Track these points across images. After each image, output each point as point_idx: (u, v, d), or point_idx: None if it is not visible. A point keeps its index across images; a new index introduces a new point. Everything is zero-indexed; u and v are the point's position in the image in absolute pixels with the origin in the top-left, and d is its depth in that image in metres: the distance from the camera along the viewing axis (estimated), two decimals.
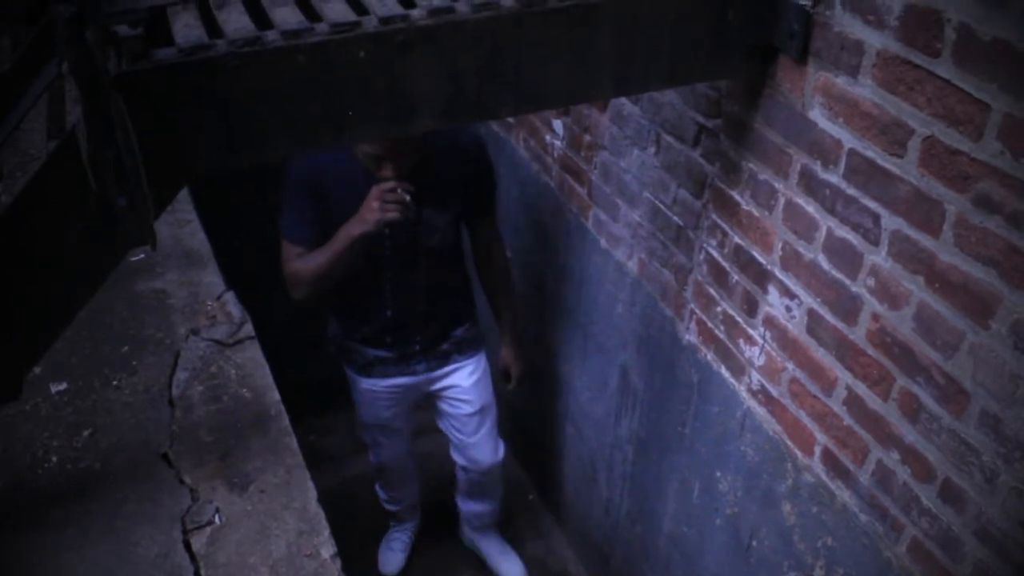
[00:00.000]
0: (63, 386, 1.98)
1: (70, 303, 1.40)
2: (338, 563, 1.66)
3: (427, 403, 3.02)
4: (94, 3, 1.16)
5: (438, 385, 2.90)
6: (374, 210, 2.30)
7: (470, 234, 2.80)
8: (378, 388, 2.84)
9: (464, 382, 2.88)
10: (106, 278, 1.41)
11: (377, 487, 3.32)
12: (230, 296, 2.26)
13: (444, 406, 2.96)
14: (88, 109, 1.18)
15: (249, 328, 2.16)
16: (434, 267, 2.63)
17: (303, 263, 2.47)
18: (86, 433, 1.87)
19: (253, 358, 2.08)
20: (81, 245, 1.33)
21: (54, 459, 1.81)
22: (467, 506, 3.30)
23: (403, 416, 3.00)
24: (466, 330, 2.84)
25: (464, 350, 2.85)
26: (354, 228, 2.35)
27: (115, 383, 1.99)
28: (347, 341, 2.80)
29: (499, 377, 3.01)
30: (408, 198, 2.31)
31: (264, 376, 2.03)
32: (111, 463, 1.81)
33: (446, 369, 2.85)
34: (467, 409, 2.94)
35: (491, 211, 2.77)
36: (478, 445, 3.01)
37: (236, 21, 1.35)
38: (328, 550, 1.67)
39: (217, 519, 1.71)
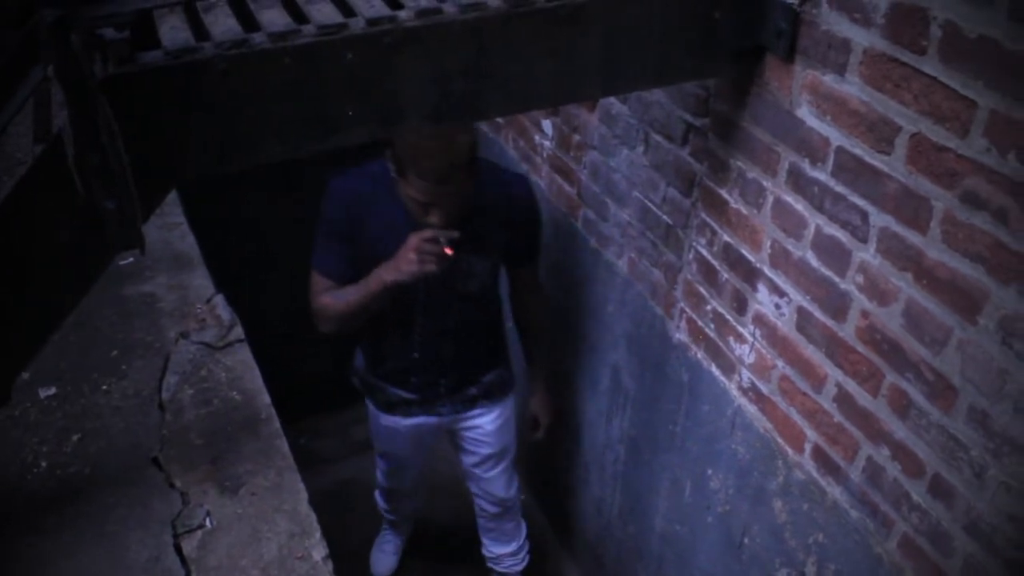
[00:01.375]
0: (52, 391, 1.97)
1: (58, 307, 1.40)
2: (330, 565, 1.66)
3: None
4: (79, 7, 1.16)
5: (460, 425, 2.81)
6: (411, 261, 2.16)
7: (510, 279, 2.66)
8: (399, 426, 2.75)
9: (488, 426, 2.79)
10: (94, 282, 1.40)
11: (377, 496, 3.26)
12: (220, 299, 2.25)
13: (462, 443, 2.88)
14: (74, 113, 1.18)
15: (239, 331, 2.16)
16: (468, 311, 2.52)
17: (332, 299, 2.37)
18: (76, 438, 1.86)
19: (243, 361, 2.08)
20: (69, 249, 1.32)
21: (44, 464, 1.80)
22: (489, 547, 3.17)
23: (420, 452, 2.94)
24: (496, 375, 2.73)
25: (492, 396, 2.75)
26: (387, 274, 2.23)
27: (104, 387, 1.99)
28: (371, 376, 2.71)
29: (527, 424, 2.89)
30: (449, 250, 2.17)
31: (254, 379, 2.03)
32: (101, 468, 1.80)
33: (471, 413, 2.75)
34: (486, 451, 2.86)
35: (534, 260, 2.63)
36: (492, 480, 2.94)
37: (223, 23, 1.34)
38: (320, 552, 1.67)
39: (208, 522, 1.71)
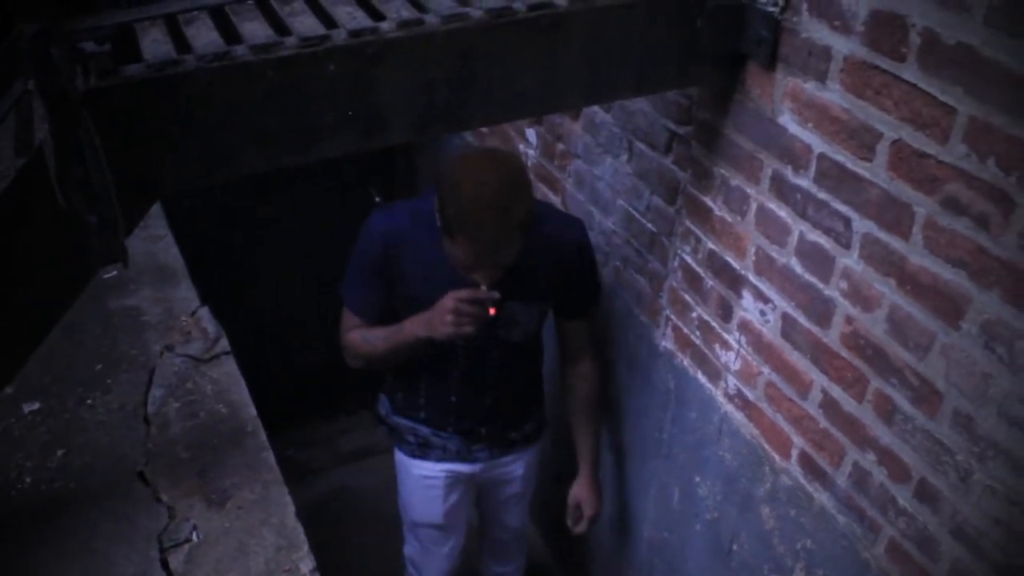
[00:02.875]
0: (36, 406, 1.96)
1: (42, 322, 1.39)
2: None
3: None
4: (59, 20, 1.15)
5: (492, 473, 2.59)
6: (447, 322, 1.98)
7: (559, 334, 2.44)
8: (434, 473, 2.51)
9: (518, 471, 2.61)
10: (78, 296, 1.39)
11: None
12: (204, 311, 2.25)
13: (489, 488, 2.67)
14: (55, 126, 1.17)
15: (224, 343, 2.16)
16: (510, 359, 2.34)
17: (362, 339, 2.23)
18: (60, 453, 1.85)
19: (229, 373, 2.07)
20: (51, 263, 1.32)
21: (28, 480, 1.79)
22: (490, 567, 2.97)
23: (460, 514, 2.64)
24: (536, 420, 2.57)
25: (530, 441, 2.58)
26: (420, 329, 2.07)
27: (89, 401, 1.98)
28: (403, 418, 2.48)
29: (569, 514, 2.56)
30: (492, 310, 2.01)
31: (240, 391, 2.02)
32: (86, 483, 1.79)
33: (507, 459, 2.56)
34: (509, 491, 2.67)
35: (586, 314, 2.41)
36: (509, 512, 2.75)
37: (205, 36, 1.34)
38: (307, 565, 1.67)
39: (195, 536, 1.70)
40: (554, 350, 2.50)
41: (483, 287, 1.99)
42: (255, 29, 1.36)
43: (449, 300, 1.98)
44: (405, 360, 2.25)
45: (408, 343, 2.13)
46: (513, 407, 2.48)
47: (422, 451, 2.49)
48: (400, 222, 2.15)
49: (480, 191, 1.85)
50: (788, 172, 1.72)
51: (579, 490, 2.52)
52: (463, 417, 2.42)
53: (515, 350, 2.32)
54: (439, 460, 2.49)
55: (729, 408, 2.09)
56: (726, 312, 2.02)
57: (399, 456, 2.56)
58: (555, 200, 2.75)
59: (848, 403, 1.71)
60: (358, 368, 2.31)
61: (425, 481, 2.53)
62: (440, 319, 1.99)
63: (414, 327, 2.09)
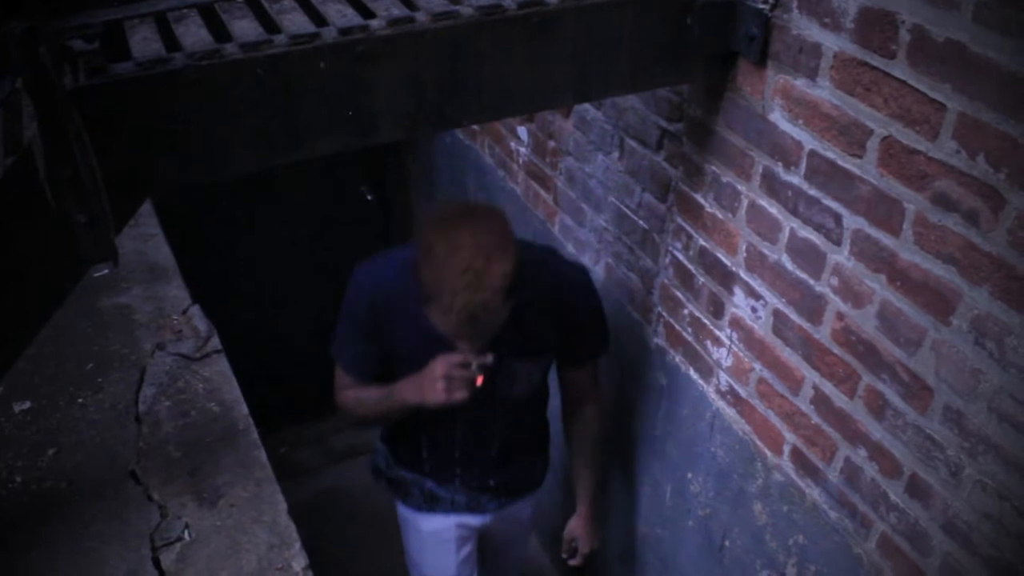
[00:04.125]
0: (26, 405, 1.95)
1: (32, 321, 1.38)
2: (310, 575, 1.65)
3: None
4: (48, 18, 1.15)
5: (498, 518, 2.47)
6: (437, 390, 1.89)
7: (561, 382, 2.34)
8: (445, 527, 2.41)
9: (526, 512, 2.56)
10: (68, 295, 1.39)
11: None
12: (196, 310, 2.24)
13: (493, 533, 2.56)
14: (44, 125, 1.17)
15: (216, 341, 2.15)
16: (514, 414, 2.24)
17: (355, 400, 2.15)
18: (51, 452, 1.85)
19: (221, 372, 2.07)
20: (41, 262, 1.31)
21: (18, 479, 1.79)
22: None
23: (471, 564, 2.52)
24: (541, 464, 2.49)
25: (535, 485, 2.50)
26: (410, 395, 1.97)
27: (80, 401, 1.97)
28: (406, 471, 2.37)
29: (564, 548, 2.51)
30: (482, 376, 1.91)
31: (232, 389, 2.02)
32: (77, 482, 1.79)
33: (515, 506, 2.48)
34: (515, 533, 2.62)
35: (593, 362, 2.29)
36: (512, 548, 2.71)
37: (194, 34, 1.34)
38: (299, 563, 1.67)
39: (187, 535, 1.70)
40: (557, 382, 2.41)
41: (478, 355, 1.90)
42: (245, 27, 1.36)
43: (439, 366, 1.89)
44: (404, 417, 2.15)
45: (400, 409, 2.05)
46: (522, 456, 2.39)
47: (429, 504, 2.39)
48: (386, 276, 2.03)
49: (454, 256, 1.70)
50: (779, 169, 1.72)
51: (576, 526, 2.47)
52: (469, 469, 2.32)
53: (519, 403, 2.22)
54: (447, 512, 2.39)
55: (721, 404, 2.10)
56: (718, 309, 2.03)
57: (404, 512, 2.46)
58: (547, 197, 2.75)
59: (839, 399, 1.72)
60: (357, 427, 2.20)
61: (436, 536, 2.44)
62: (431, 386, 1.90)
63: (405, 393, 1.99)
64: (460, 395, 1.90)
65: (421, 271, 1.77)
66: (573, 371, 2.28)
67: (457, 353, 1.88)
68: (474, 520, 2.42)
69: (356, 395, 2.14)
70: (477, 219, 1.79)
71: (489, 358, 1.90)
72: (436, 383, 1.89)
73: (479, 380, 1.91)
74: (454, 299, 1.72)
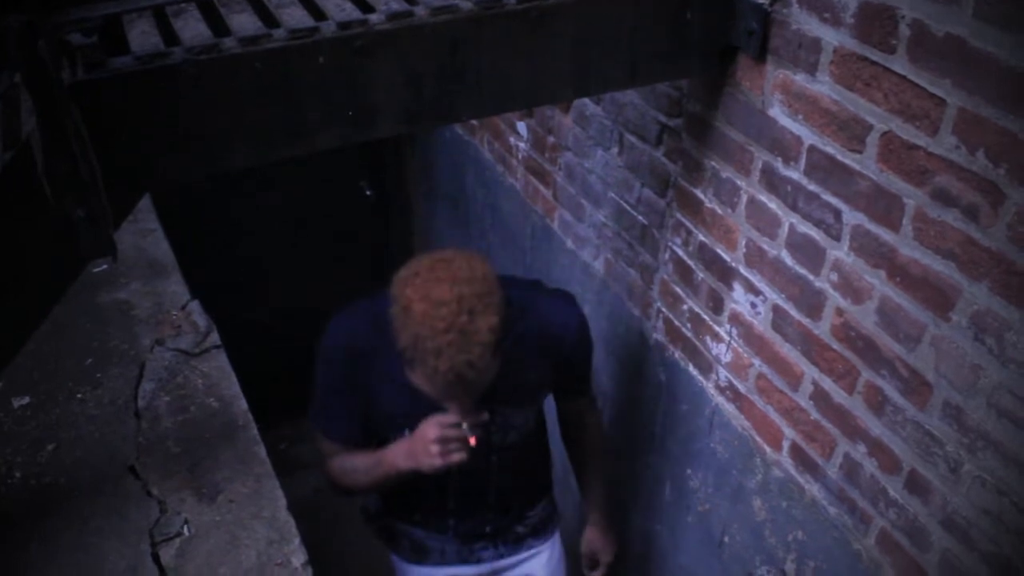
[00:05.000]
0: (26, 400, 1.95)
1: (31, 317, 1.38)
2: (309, 572, 1.65)
3: None
4: (46, 12, 1.15)
5: (506, 574, 2.34)
6: (432, 455, 1.78)
7: (559, 413, 2.26)
8: None
9: (540, 571, 2.36)
10: (67, 291, 1.39)
11: None
12: (195, 305, 2.24)
13: None
14: (42, 119, 1.16)
15: (215, 337, 2.15)
16: (509, 459, 2.10)
17: (341, 469, 2.00)
18: (50, 448, 1.85)
19: (220, 367, 2.07)
20: (40, 258, 1.31)
21: (18, 475, 1.78)
22: None
23: None
24: (543, 508, 2.34)
25: (540, 532, 2.33)
26: (402, 462, 1.85)
27: (79, 396, 1.97)
28: (396, 522, 2.26)
29: (584, 563, 2.40)
30: (475, 436, 1.80)
31: (231, 385, 2.02)
32: (77, 477, 1.79)
33: (519, 557, 2.31)
34: None
35: (587, 390, 2.20)
36: None
37: (193, 28, 1.34)
38: (299, 558, 1.67)
39: (186, 530, 1.70)
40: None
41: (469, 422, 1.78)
42: (244, 21, 1.35)
43: (430, 429, 1.78)
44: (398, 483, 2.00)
45: (394, 476, 1.91)
46: (519, 498, 2.26)
47: (417, 556, 2.27)
48: (361, 332, 1.87)
49: (434, 315, 1.57)
50: (778, 164, 1.72)
51: (593, 538, 2.34)
52: (464, 519, 2.20)
53: (514, 450, 2.09)
54: (438, 564, 2.27)
55: (720, 400, 2.10)
56: (717, 304, 2.03)
57: (396, 560, 2.34)
58: (546, 193, 2.75)
59: (839, 394, 1.72)
60: (347, 496, 2.09)
61: None
62: (424, 450, 1.79)
63: (396, 459, 1.87)
64: (457, 457, 1.79)
65: (399, 334, 1.63)
66: (569, 402, 2.20)
67: (448, 414, 1.77)
68: (467, 571, 2.29)
69: (342, 464, 2.00)
70: (455, 269, 1.63)
71: (484, 416, 1.80)
72: (429, 447, 1.78)
73: (472, 440, 1.79)
74: (438, 362, 1.58)
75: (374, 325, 1.81)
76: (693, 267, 2.08)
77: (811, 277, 1.72)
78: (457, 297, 1.58)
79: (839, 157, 1.58)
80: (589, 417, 2.26)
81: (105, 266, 2.28)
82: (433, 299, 1.58)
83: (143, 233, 2.49)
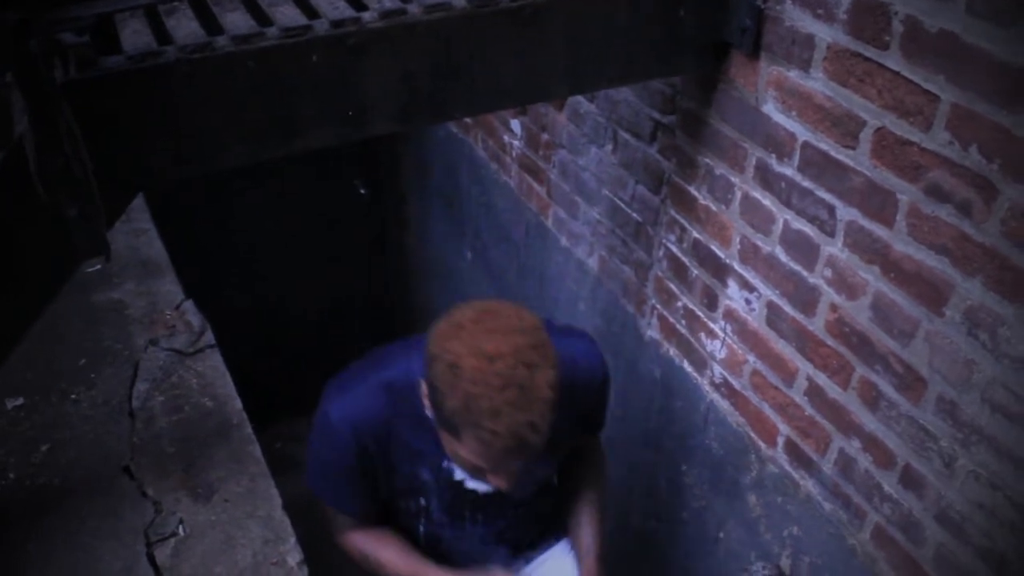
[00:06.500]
0: (19, 401, 1.94)
1: (23, 316, 1.38)
2: (305, 570, 1.65)
3: None
4: (38, 11, 1.14)
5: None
6: None
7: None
8: None
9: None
10: (60, 290, 1.38)
11: None
12: (189, 305, 2.23)
13: None
14: (35, 118, 1.16)
15: (209, 336, 2.14)
16: (527, 510, 1.93)
17: (363, 552, 1.84)
18: (44, 448, 1.84)
19: (214, 366, 2.06)
20: (33, 257, 1.31)
21: (11, 476, 1.78)
22: None
23: None
24: (554, 535, 2.08)
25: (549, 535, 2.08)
26: None
27: (73, 396, 1.96)
28: None
29: None
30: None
31: (226, 384, 2.01)
32: (71, 478, 1.78)
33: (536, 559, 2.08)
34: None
35: (598, 430, 1.99)
36: None
37: (185, 27, 1.33)
38: (295, 557, 1.66)
39: (181, 530, 1.69)
40: None
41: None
42: (236, 20, 1.35)
43: None
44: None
45: None
46: (532, 537, 2.05)
47: None
48: (373, 409, 1.65)
49: (488, 370, 1.36)
50: (772, 161, 1.72)
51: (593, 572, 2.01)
52: (475, 560, 1.96)
53: (532, 499, 1.92)
54: None
55: (715, 397, 2.10)
56: (711, 301, 2.03)
57: None
58: (540, 190, 2.75)
59: (833, 390, 1.72)
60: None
61: None
62: None
63: None
64: None
65: (441, 398, 1.41)
66: (579, 440, 1.96)
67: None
68: None
69: (372, 552, 1.83)
70: (504, 319, 1.43)
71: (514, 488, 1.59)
72: None
73: None
74: (496, 424, 1.37)
75: (387, 396, 1.64)
76: (687, 264, 2.08)
77: (805, 273, 1.72)
78: (513, 349, 1.38)
79: (833, 153, 1.58)
80: (595, 464, 2.05)
81: (98, 265, 2.28)
82: (486, 353, 1.37)
83: (136, 232, 2.48)
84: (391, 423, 1.65)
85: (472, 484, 1.73)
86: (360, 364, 1.73)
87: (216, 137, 1.35)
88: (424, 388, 1.49)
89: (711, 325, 2.05)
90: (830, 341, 1.70)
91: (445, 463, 1.67)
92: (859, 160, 1.53)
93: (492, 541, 1.95)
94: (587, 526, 1.96)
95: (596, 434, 2.00)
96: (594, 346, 1.82)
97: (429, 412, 1.51)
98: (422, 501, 1.80)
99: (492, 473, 1.51)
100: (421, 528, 1.86)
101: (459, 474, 1.68)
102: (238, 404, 1.96)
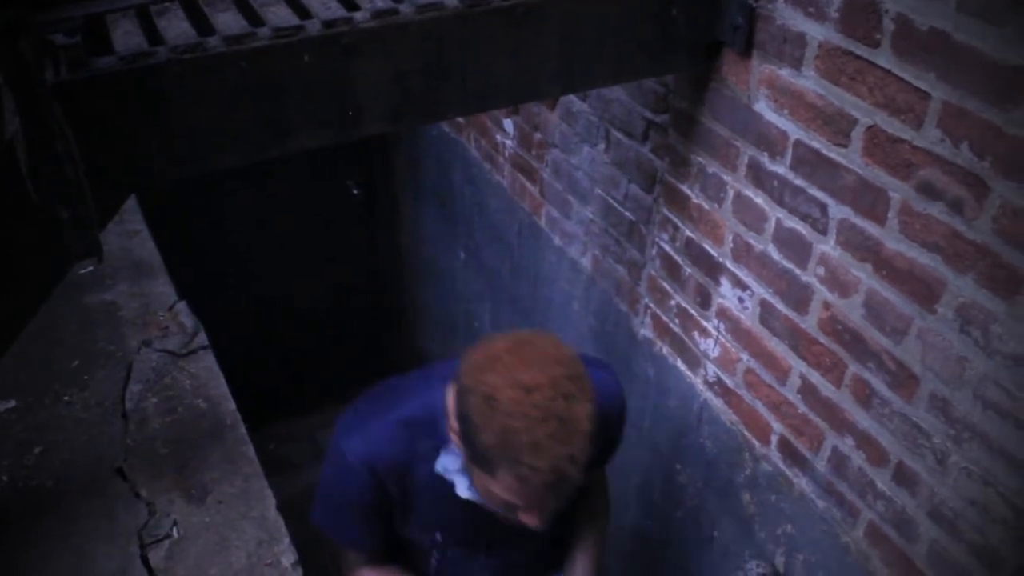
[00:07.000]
0: (12, 403, 1.94)
1: (16, 318, 1.37)
2: (299, 571, 1.65)
3: None
4: (29, 11, 1.14)
5: None
6: None
7: None
8: None
9: None
10: (52, 292, 1.38)
11: None
12: (182, 306, 2.23)
13: None
14: (26, 120, 1.16)
15: (203, 338, 2.14)
16: (539, 540, 1.83)
17: None
18: (37, 450, 1.84)
19: (207, 368, 2.06)
20: (25, 259, 1.30)
21: (4, 478, 1.77)
22: None
23: None
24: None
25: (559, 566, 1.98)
26: None
27: (66, 398, 1.96)
28: None
29: None
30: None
31: (219, 385, 2.01)
32: (64, 480, 1.78)
33: None
34: None
35: (607, 462, 1.92)
36: None
37: (177, 27, 1.33)
38: (289, 558, 1.66)
39: (175, 532, 1.69)
40: None
41: None
42: (228, 20, 1.35)
43: None
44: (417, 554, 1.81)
45: None
46: (544, 562, 1.98)
47: None
48: (392, 449, 1.59)
49: (527, 402, 1.31)
50: (765, 159, 1.73)
51: None
52: None
53: (548, 531, 1.74)
54: None
55: (709, 395, 2.10)
56: (705, 299, 2.03)
57: None
58: (533, 190, 2.75)
59: (826, 388, 1.72)
60: None
61: None
62: None
63: None
64: None
65: (475, 432, 1.36)
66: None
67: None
68: None
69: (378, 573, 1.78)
70: (540, 350, 1.38)
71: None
72: None
73: None
74: (536, 459, 1.32)
75: (406, 433, 1.58)
76: (680, 262, 2.09)
77: (798, 271, 1.72)
78: (551, 380, 1.33)
79: (825, 151, 1.58)
80: (599, 497, 2.00)
81: (91, 267, 2.27)
82: (524, 384, 1.32)
83: (129, 234, 2.48)
84: (410, 461, 1.59)
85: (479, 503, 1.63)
86: (374, 398, 1.68)
87: (208, 138, 1.35)
88: (452, 423, 1.44)
89: (704, 324, 2.05)
90: (823, 339, 1.70)
91: (467, 506, 1.60)
92: (851, 158, 1.53)
93: (502, 572, 1.89)
94: (581, 565, 1.90)
95: (603, 466, 1.93)
96: (615, 377, 1.78)
97: (458, 449, 1.47)
98: (438, 536, 1.75)
99: (526, 511, 1.45)
100: (433, 562, 1.81)
101: (472, 494, 1.59)
102: (231, 405, 1.96)
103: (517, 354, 1.37)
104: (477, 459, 1.40)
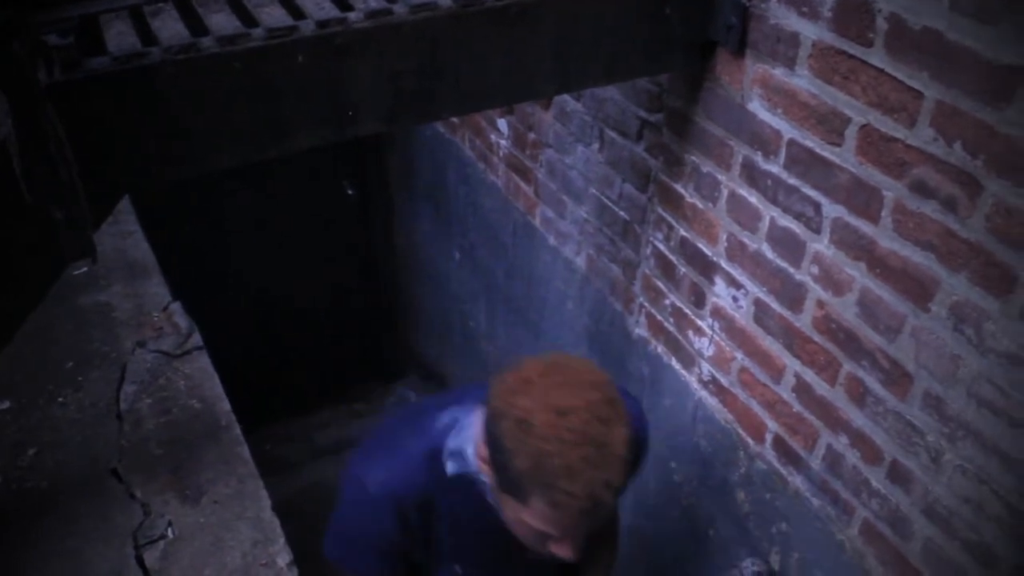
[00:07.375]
0: (6, 404, 1.93)
1: (10, 319, 1.37)
2: (294, 572, 1.64)
3: None
4: (21, 12, 1.14)
5: None
6: None
7: None
8: None
9: None
10: (47, 293, 1.38)
11: None
12: (176, 307, 2.22)
13: None
14: (19, 121, 1.15)
15: (197, 338, 2.13)
16: (557, 568, 1.76)
17: None
18: (32, 452, 1.83)
19: (202, 368, 2.05)
20: (19, 260, 1.30)
21: None
22: None
23: None
24: None
25: None
26: None
27: (60, 399, 1.95)
28: None
29: None
30: None
31: (214, 386, 2.01)
32: (59, 481, 1.77)
33: None
34: None
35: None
36: None
37: (170, 28, 1.33)
38: (284, 558, 1.66)
39: (170, 533, 1.69)
40: None
41: None
42: (222, 21, 1.35)
43: None
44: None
45: None
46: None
47: None
48: (416, 481, 1.55)
49: (562, 426, 1.27)
50: (758, 158, 1.73)
51: None
52: None
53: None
54: None
55: (704, 394, 2.10)
56: (699, 298, 2.03)
57: None
58: (527, 190, 2.75)
59: (821, 387, 1.73)
60: None
61: None
62: None
63: None
64: None
65: (507, 459, 1.31)
66: None
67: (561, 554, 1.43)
68: None
69: None
70: (574, 372, 1.35)
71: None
72: None
73: None
74: (571, 484, 1.27)
75: (429, 464, 1.54)
76: (675, 262, 2.09)
77: (792, 270, 1.72)
78: (586, 404, 1.29)
79: (818, 150, 1.59)
80: (610, 524, 1.97)
81: (85, 268, 2.27)
82: (558, 407, 1.28)
83: (123, 235, 2.47)
84: (434, 493, 1.55)
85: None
86: (394, 427, 1.65)
87: (202, 138, 1.34)
88: (481, 450, 1.40)
89: (699, 323, 2.06)
90: (817, 337, 1.71)
91: (493, 526, 1.53)
92: (844, 157, 1.53)
93: None
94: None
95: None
96: (639, 405, 1.75)
97: (487, 476, 1.42)
98: (457, 569, 1.72)
99: (558, 541, 1.40)
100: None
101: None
102: (226, 405, 1.96)
103: (551, 377, 1.33)
104: (508, 486, 1.35)
